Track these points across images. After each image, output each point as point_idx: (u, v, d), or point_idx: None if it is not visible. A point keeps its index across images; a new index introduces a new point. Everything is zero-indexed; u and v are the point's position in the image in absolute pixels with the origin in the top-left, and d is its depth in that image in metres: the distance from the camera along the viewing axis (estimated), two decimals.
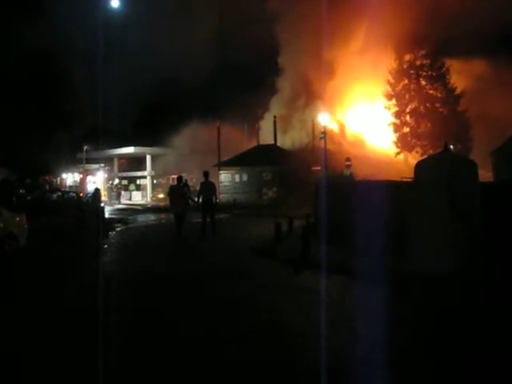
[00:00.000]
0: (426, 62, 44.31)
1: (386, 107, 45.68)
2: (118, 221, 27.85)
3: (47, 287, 10.67)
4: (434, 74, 44.24)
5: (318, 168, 36.27)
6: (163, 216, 29.92)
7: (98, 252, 15.20)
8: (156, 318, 8.19)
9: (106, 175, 59.90)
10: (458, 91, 44.07)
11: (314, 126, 45.51)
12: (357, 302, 9.06)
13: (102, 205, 30.58)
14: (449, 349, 6.53)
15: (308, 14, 49.15)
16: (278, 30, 56.83)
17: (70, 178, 60.57)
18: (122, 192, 55.65)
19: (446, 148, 11.47)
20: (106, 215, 29.50)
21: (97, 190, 31.44)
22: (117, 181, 56.81)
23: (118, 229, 24.07)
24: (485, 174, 25.28)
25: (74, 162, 56.34)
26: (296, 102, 54.77)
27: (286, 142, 51.55)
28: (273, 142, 49.66)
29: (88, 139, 52.84)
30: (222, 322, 7.93)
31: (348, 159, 27.55)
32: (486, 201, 10.54)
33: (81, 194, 36.33)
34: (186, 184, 23.56)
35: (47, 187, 43.83)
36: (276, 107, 54.81)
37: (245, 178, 45.56)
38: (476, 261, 10.02)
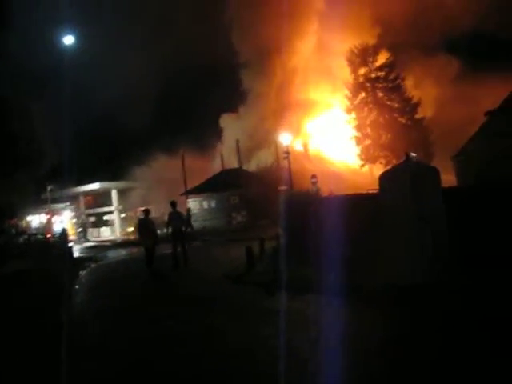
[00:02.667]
0: (381, 74, 45.00)
1: (346, 121, 46.20)
2: (88, 259, 27.41)
3: (18, 330, 10.40)
4: (389, 86, 44.92)
5: (285, 187, 36.37)
6: (134, 250, 29.58)
7: (68, 293, 14.90)
8: (128, 357, 8.04)
9: (72, 214, 59.15)
10: (415, 100, 44.81)
11: (277, 146, 45.79)
12: (331, 321, 9.00)
13: (71, 244, 30.17)
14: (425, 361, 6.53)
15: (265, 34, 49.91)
16: (239, 61, 57.54)
17: (36, 219, 59.66)
18: (90, 229, 54.99)
19: (408, 157, 11.57)
20: (76, 254, 29.07)
21: (64, 231, 31.07)
22: (78, 219, 55.97)
23: (88, 268, 23.67)
24: (449, 178, 25.63)
25: (38, 203, 55.56)
26: (258, 123, 55.04)
27: (250, 164, 51.76)
28: (237, 166, 49.79)
29: (51, 179, 52.26)
30: (197, 353, 7.83)
31: (314, 176, 27.65)
32: (450, 206, 10.64)
33: (48, 235, 35.76)
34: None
35: (13, 231, 43.06)
36: (239, 130, 54.95)
37: (213, 204, 45.53)
38: (445, 268, 10.08)
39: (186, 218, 19.30)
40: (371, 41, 46.89)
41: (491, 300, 8.67)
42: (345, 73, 47.35)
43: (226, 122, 58.11)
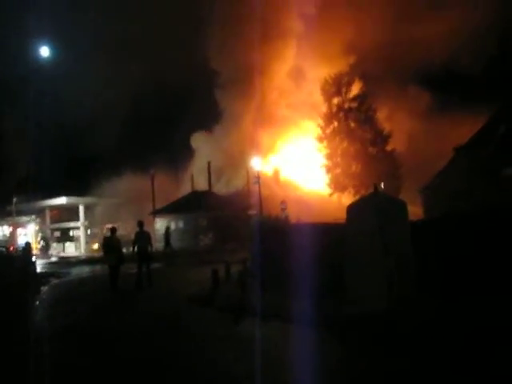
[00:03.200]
0: (354, 105, 45.59)
1: (318, 150, 46.54)
2: (50, 275, 26.93)
3: None
4: (362, 117, 45.49)
5: (254, 212, 36.47)
6: (98, 268, 29.17)
7: (29, 310, 14.63)
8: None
9: (37, 227, 58.19)
10: (386, 132, 45.42)
11: (248, 171, 45.94)
12: (296, 349, 9.00)
13: (34, 259, 29.61)
14: None
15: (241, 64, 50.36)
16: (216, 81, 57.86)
17: None
18: (54, 244, 54.09)
19: (376, 189, 11.74)
20: (38, 269, 28.54)
21: (27, 244, 30.48)
22: (42, 233, 55.00)
23: (51, 283, 23.25)
24: (416, 211, 25.98)
25: (3, 215, 54.61)
26: (231, 145, 55.19)
27: (221, 186, 51.77)
28: (207, 188, 49.75)
29: (18, 191, 51.49)
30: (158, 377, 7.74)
31: (283, 202, 27.89)
32: (416, 238, 10.80)
33: (11, 248, 35.07)
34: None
35: None
36: (211, 151, 54.97)
37: (181, 225, 45.23)
38: (410, 298, 10.19)
39: (166, 236, 19.09)
40: (345, 69, 47.80)
41: (449, 329, 8.77)
42: (319, 100, 47.93)
43: (199, 142, 58.19)
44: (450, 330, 8.68)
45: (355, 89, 45.91)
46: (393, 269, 10.38)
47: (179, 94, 61.64)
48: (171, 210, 46.41)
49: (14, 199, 52.05)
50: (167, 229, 34.71)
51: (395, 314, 9.78)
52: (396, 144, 45.49)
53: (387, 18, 50.48)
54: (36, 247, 44.90)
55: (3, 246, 32.82)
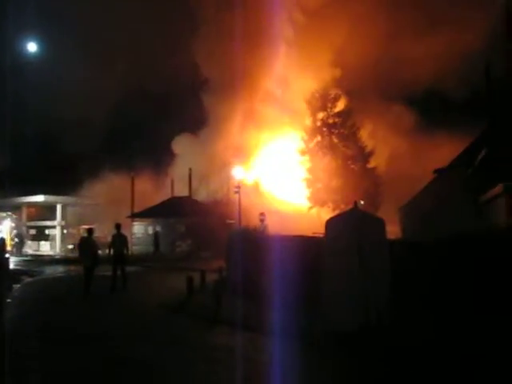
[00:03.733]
0: (338, 120, 45.78)
1: (299, 163, 46.64)
2: (24, 272, 26.64)
3: None
4: (345, 132, 45.68)
5: (233, 221, 36.42)
6: (72, 268, 28.92)
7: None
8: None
9: (13, 224, 57.48)
10: (369, 149, 45.67)
11: (229, 179, 45.88)
12: (267, 360, 9.00)
13: (7, 256, 29.26)
14: None
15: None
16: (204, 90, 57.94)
17: None
18: (29, 242, 53.48)
19: (356, 206, 11.80)
20: (11, 266, 28.20)
21: (1, 240, 30.08)
22: (17, 230, 54.28)
23: (23, 281, 22.99)
24: (393, 230, 26.14)
25: None
26: (213, 154, 55.09)
27: (201, 194, 51.66)
28: (187, 194, 49.62)
29: None
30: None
31: (262, 214, 27.80)
32: (394, 257, 10.88)
33: None
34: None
35: None
36: (193, 158, 54.77)
37: (158, 229, 45.03)
38: (386, 319, 10.24)
39: (155, 240, 18.97)
40: (330, 81, 48.09)
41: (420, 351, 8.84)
42: (301, 109, 48.14)
43: (181, 147, 57.95)
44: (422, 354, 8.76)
45: (340, 104, 46.13)
46: (368, 287, 10.43)
47: (164, 98, 61.57)
48: (149, 214, 46.20)
49: None
50: (156, 233, 34.52)
51: (367, 332, 9.83)
52: (378, 161, 45.77)
53: (376, 35, 50.77)
54: (10, 244, 44.32)
55: None
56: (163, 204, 47.71)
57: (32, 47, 35.52)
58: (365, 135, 46.38)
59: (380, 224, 11.30)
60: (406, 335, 9.71)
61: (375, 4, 50.70)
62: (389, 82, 53.52)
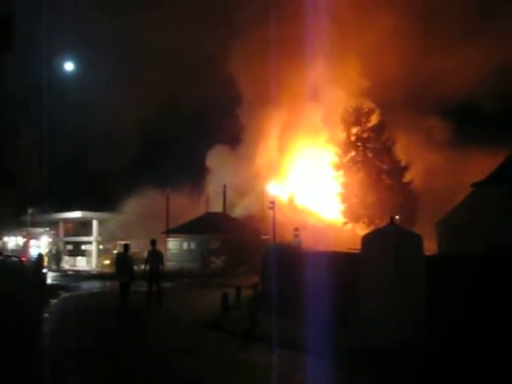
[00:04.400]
0: (372, 135, 45.51)
1: (334, 178, 46.46)
2: (61, 288, 26.96)
3: None
4: (380, 147, 45.38)
5: (267, 237, 36.38)
6: (108, 284, 29.18)
7: (38, 322, 14.64)
8: None
9: (50, 239, 58.37)
10: (404, 163, 45.25)
11: (263, 195, 45.89)
12: (304, 379, 8.90)
13: (45, 270, 29.71)
14: None
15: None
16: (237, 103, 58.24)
17: (12, 241, 58.78)
18: (66, 257, 54.15)
19: (392, 221, 11.66)
20: (49, 281, 28.62)
21: (40, 256, 30.61)
22: (54, 246, 55.01)
23: (60, 296, 23.25)
24: (429, 246, 25.76)
25: (17, 225, 54.79)
26: (248, 170, 55.17)
27: (236, 209, 51.74)
28: (222, 210, 49.75)
29: (34, 202, 51.67)
30: None
31: (296, 229, 27.84)
32: (431, 273, 10.68)
33: (23, 259, 35.16)
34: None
35: None
36: (228, 174, 54.91)
37: (193, 245, 45.17)
38: (422, 335, 10.06)
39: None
40: (363, 96, 47.94)
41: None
42: (336, 126, 48.02)
43: (216, 162, 58.15)
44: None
45: (374, 119, 45.87)
46: (405, 305, 10.28)
47: (199, 113, 62.04)
48: (184, 230, 46.37)
49: (30, 210, 52.28)
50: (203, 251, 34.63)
51: (405, 351, 9.66)
52: (412, 176, 45.30)
53: (408, 48, 50.41)
54: (48, 259, 44.94)
55: (16, 256, 32.91)
56: (198, 220, 47.87)
57: (69, 66, 36.19)
58: (399, 149, 45.97)
59: (417, 240, 11.15)
60: (442, 353, 9.50)
61: (409, 16, 50.36)
62: (421, 96, 53.01)
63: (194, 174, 58.53)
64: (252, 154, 54.48)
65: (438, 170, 49.38)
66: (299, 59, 49.71)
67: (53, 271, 41.32)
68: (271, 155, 53.99)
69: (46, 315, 16.61)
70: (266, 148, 54.25)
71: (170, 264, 39.34)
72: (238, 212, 51.16)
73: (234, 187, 52.74)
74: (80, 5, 58.48)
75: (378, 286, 10.64)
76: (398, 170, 44.85)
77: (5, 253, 44.11)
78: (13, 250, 54.18)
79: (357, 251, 12.77)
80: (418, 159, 47.56)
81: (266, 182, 43.34)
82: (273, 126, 54.26)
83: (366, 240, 11.34)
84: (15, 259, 30.43)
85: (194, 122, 63.41)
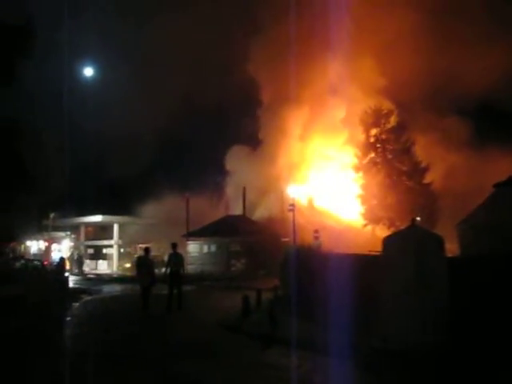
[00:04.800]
0: (392, 136, 45.24)
1: (353, 179, 46.26)
2: (82, 291, 27.18)
3: (4, 361, 10.26)
4: (399, 148, 45.10)
5: (287, 239, 36.31)
6: (129, 287, 29.35)
7: (60, 325, 14.77)
8: None
9: (72, 243, 58.87)
10: (424, 164, 44.90)
11: (283, 197, 45.85)
12: (326, 381, 8.87)
13: (67, 274, 29.99)
14: None
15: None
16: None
17: (34, 245, 59.36)
18: (87, 261, 54.54)
19: (413, 223, 11.58)
20: (70, 285, 28.86)
21: (62, 260, 30.89)
22: (76, 250, 55.40)
23: (82, 300, 23.44)
24: (451, 247, 25.51)
25: (39, 229, 55.28)
26: (267, 172, 55.09)
27: (256, 212, 51.70)
28: (241, 212, 49.75)
29: (55, 206, 52.13)
30: None
31: (316, 231, 27.73)
32: (453, 275, 10.59)
33: (45, 263, 35.50)
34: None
35: (11, 255, 42.81)
36: (248, 176, 54.87)
37: (213, 248, 45.21)
38: (444, 339, 9.97)
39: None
40: (382, 96, 47.63)
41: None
42: (355, 128, 47.83)
43: (235, 164, 58.21)
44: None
45: (393, 120, 45.58)
46: (428, 308, 10.20)
47: (219, 115, 62.17)
48: (204, 233, 46.44)
49: (52, 214, 52.75)
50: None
51: (427, 354, 9.57)
52: (433, 176, 44.93)
53: (426, 46, 50.00)
54: (69, 263, 45.31)
55: (39, 260, 33.25)
56: (218, 222, 47.92)
57: (89, 72, 36.54)
58: (419, 148, 45.59)
59: (439, 241, 11.06)
60: (464, 357, 9.40)
61: (425, 14, 49.90)
62: (439, 95, 52.47)
63: (214, 177, 58.70)
64: (272, 155, 54.44)
65: (457, 170, 48.96)
66: (318, 59, 49.65)
67: (74, 275, 41.67)
68: (291, 156, 53.88)
69: (69, 318, 16.74)
70: (286, 149, 54.14)
71: (190, 267, 39.44)
72: (257, 214, 51.13)
73: (254, 189, 52.73)
74: (98, 9, 58.95)
75: (399, 288, 10.57)
76: (418, 172, 44.52)
77: (27, 257, 44.61)
78: (35, 254, 54.79)
79: (377, 253, 12.71)
80: (437, 159, 47.17)
81: (286, 183, 43.32)
82: (293, 126, 54.14)
83: (387, 242, 11.27)
84: (37, 263, 30.74)
85: (213, 124, 63.55)
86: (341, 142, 52.93)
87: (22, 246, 56.32)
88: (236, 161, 58.27)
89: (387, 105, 46.55)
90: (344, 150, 51.01)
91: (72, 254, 50.75)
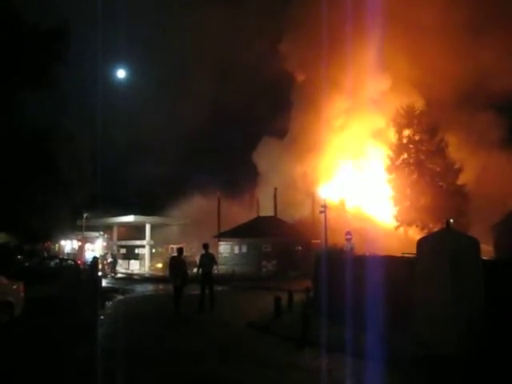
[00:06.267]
0: (425, 137, 44.79)
1: (386, 181, 45.87)
2: (115, 291, 27.47)
3: (41, 361, 10.41)
4: (432, 149, 44.62)
5: (318, 241, 36.19)
6: (161, 287, 29.58)
7: (94, 324, 14.94)
8: None
9: (104, 243, 59.55)
10: (457, 165, 44.31)
11: (314, 198, 45.73)
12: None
13: (100, 274, 30.34)
14: None
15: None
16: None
17: (68, 244, 60.18)
18: (120, 261, 55.13)
19: (448, 225, 11.42)
20: (103, 284, 29.19)
21: (95, 259, 31.27)
22: (109, 250, 56.00)
23: (115, 299, 23.68)
24: (486, 248, 25.13)
25: (73, 229, 56.04)
26: (298, 172, 54.98)
27: (287, 213, 51.57)
28: (273, 214, 49.73)
29: (88, 206, 52.82)
30: None
31: (348, 233, 27.60)
32: (489, 278, 10.40)
33: (79, 262, 35.98)
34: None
35: (45, 254, 43.49)
36: (279, 177, 54.82)
37: (244, 249, 45.30)
38: (480, 343, 9.82)
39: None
40: (414, 96, 47.01)
41: None
42: (388, 129, 47.44)
43: (266, 165, 58.26)
44: None
45: (426, 120, 45.07)
46: (463, 313, 10.05)
47: (251, 117, 62.45)
48: (235, 234, 46.57)
49: (85, 214, 53.43)
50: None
51: (463, 359, 9.44)
52: (467, 177, 44.28)
53: (459, 42, 49.16)
54: (104, 263, 45.82)
55: (72, 260, 33.72)
56: (249, 224, 48.01)
57: (121, 74, 36.99)
58: (452, 148, 44.91)
59: (474, 244, 10.88)
60: (500, 363, 9.24)
61: (458, 11, 49.03)
62: (473, 92, 51.40)
63: (245, 178, 58.86)
64: (303, 157, 54.28)
65: (490, 170, 48.06)
66: (350, 57, 49.32)
67: (108, 274, 42.13)
68: (324, 157, 53.66)
69: (102, 317, 16.92)
70: (318, 151, 53.90)
71: (221, 268, 39.62)
72: (289, 216, 51.02)
73: (285, 190, 52.61)
74: (130, 12, 59.70)
75: (433, 292, 10.44)
76: (451, 173, 43.99)
77: (61, 256, 45.26)
78: (68, 254, 55.53)
79: (411, 255, 12.58)
80: (469, 160, 46.32)
81: (317, 184, 43.18)
82: (324, 129, 53.83)
83: (422, 244, 11.14)
84: (71, 262, 31.14)
85: (243, 125, 63.81)
86: (374, 143, 52.40)
87: (56, 246, 57.09)
88: (266, 161, 58.29)
89: (420, 105, 45.92)
90: (377, 151, 50.52)
91: (106, 255, 51.22)
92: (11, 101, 26.07)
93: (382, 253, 18.57)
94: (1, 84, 24.37)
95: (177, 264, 18.52)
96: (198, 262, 19.80)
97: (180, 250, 19.58)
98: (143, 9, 63.41)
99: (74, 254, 55.86)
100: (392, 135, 46.39)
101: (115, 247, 57.48)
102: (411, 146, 45.08)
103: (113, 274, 43.28)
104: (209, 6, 60.18)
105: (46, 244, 50.83)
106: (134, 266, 55.72)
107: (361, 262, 14.57)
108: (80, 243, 58.57)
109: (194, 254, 38.71)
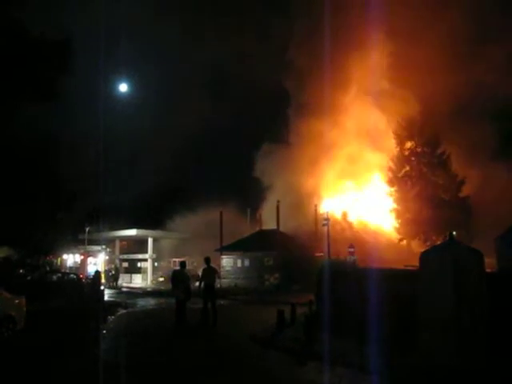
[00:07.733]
0: (427, 149, 44.76)
1: (388, 193, 45.80)
2: (118, 304, 27.38)
3: (42, 376, 10.36)
4: (434, 161, 44.57)
5: (321, 254, 36.09)
6: (163, 300, 29.47)
7: (96, 339, 14.88)
8: None
9: (107, 257, 59.49)
10: (460, 177, 44.20)
11: (316, 211, 45.68)
12: None
13: (102, 287, 30.26)
14: None
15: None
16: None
17: (70, 258, 60.13)
18: (122, 274, 55.04)
19: (451, 238, 11.38)
20: (106, 298, 29.11)
21: (97, 273, 31.20)
22: (112, 263, 55.97)
23: (118, 313, 23.59)
24: (490, 261, 24.99)
25: (75, 243, 56.06)
26: (301, 186, 54.87)
27: (289, 226, 51.48)
28: (275, 227, 49.64)
29: (91, 220, 52.88)
30: None
31: (351, 246, 27.54)
32: (492, 291, 10.36)
33: (81, 276, 35.93)
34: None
35: (48, 268, 43.48)
36: (281, 191, 54.73)
37: (246, 263, 45.19)
38: (483, 355, 9.75)
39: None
40: (421, 116, 46.90)
41: None
42: (389, 140, 47.35)
43: (270, 179, 58.18)
44: None
45: (428, 132, 44.97)
46: (466, 324, 10.00)
47: (256, 129, 62.61)
48: (238, 247, 46.46)
49: (87, 228, 53.47)
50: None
51: (465, 370, 9.37)
52: (469, 188, 44.12)
53: (458, 56, 49.16)
54: (105, 277, 45.77)
55: (75, 274, 33.68)
56: (251, 237, 47.94)
57: (123, 88, 37.15)
58: (454, 160, 44.76)
59: (477, 256, 10.84)
60: (503, 376, 9.17)
61: (459, 22, 49.08)
62: (472, 104, 51.14)
63: (248, 191, 58.76)
64: (305, 171, 54.22)
65: (492, 182, 47.78)
66: (354, 67, 49.53)
67: (109, 288, 42.04)
68: (324, 170, 53.61)
69: (104, 331, 16.85)
70: (319, 164, 53.86)
71: (223, 281, 39.48)
72: (291, 229, 50.92)
73: (287, 202, 52.50)
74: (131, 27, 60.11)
75: (437, 304, 10.39)
76: (454, 185, 43.91)
77: (63, 270, 45.24)
78: (71, 268, 55.48)
79: (414, 268, 12.53)
80: (471, 171, 46.11)
81: (319, 197, 43.11)
82: (326, 140, 53.80)
83: (425, 257, 11.10)
84: (73, 276, 31.12)
85: (247, 136, 63.92)
86: (374, 156, 52.30)
87: (59, 260, 57.07)
88: (269, 174, 58.19)
89: (421, 116, 45.77)
90: (378, 164, 50.40)
91: (109, 269, 51.14)
92: (14, 113, 26.18)
93: (385, 265, 18.51)
94: (5, 96, 24.48)
95: (179, 278, 18.48)
96: (200, 275, 19.73)
97: (182, 264, 19.54)
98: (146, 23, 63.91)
99: (77, 267, 55.79)
100: (393, 147, 46.27)
101: (117, 261, 57.41)
102: (413, 158, 45.04)
103: (115, 289, 43.19)
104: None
105: (48, 258, 50.83)
106: (137, 280, 55.63)
107: (364, 275, 14.51)
108: (82, 257, 58.54)
109: (195, 267, 38.60)
